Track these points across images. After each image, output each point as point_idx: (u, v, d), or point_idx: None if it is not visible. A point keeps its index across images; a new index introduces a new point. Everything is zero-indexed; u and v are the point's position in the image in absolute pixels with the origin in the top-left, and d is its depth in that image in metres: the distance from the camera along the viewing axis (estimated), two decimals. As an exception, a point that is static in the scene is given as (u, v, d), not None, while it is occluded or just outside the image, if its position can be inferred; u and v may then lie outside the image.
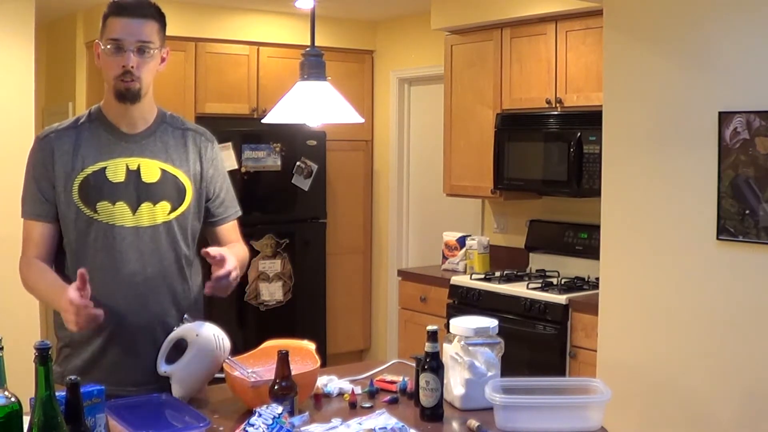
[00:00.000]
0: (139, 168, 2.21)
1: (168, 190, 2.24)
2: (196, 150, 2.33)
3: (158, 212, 2.22)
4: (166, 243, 2.24)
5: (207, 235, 2.40)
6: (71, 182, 2.17)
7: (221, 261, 2.14)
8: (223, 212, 2.40)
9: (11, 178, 2.34)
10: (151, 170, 2.23)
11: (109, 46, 2.15)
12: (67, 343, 2.25)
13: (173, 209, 2.25)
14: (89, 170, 2.18)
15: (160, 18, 2.22)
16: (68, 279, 2.16)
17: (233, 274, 2.15)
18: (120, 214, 2.19)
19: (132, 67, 2.14)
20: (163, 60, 2.26)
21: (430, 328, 2.19)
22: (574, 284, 4.28)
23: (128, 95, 2.17)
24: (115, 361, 2.21)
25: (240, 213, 2.46)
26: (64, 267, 2.24)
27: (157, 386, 2.18)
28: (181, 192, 2.26)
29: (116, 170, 2.19)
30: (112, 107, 2.23)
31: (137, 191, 2.20)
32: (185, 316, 2.28)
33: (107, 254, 2.18)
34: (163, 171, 2.24)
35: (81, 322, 2.00)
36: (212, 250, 2.15)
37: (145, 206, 2.21)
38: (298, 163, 5.61)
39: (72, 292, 1.97)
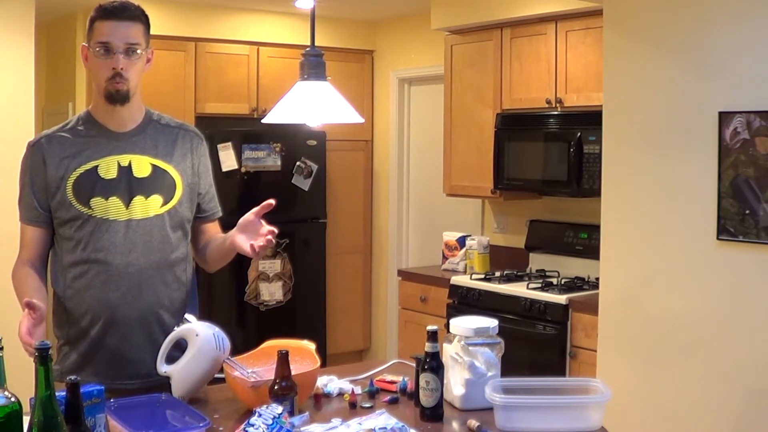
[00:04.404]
0: (130, 164, 2.27)
1: (159, 184, 2.29)
2: (186, 146, 2.38)
3: (151, 205, 2.27)
4: (158, 235, 2.28)
5: (195, 233, 2.45)
6: (65, 182, 2.22)
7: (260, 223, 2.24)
8: (213, 207, 2.47)
9: (12, 177, 2.35)
10: (142, 166, 2.28)
11: (98, 49, 2.20)
12: (65, 340, 2.29)
13: (165, 202, 2.29)
14: (82, 169, 2.23)
15: (145, 20, 2.27)
16: (60, 275, 2.26)
17: (272, 236, 2.22)
18: (114, 208, 2.23)
19: (121, 68, 2.19)
20: (148, 60, 2.30)
21: (430, 328, 2.19)
22: (574, 284, 4.28)
23: (118, 97, 2.23)
24: (111, 354, 2.24)
25: (221, 213, 2.51)
26: (57, 262, 2.29)
27: (155, 380, 2.21)
28: (171, 186, 2.31)
29: (108, 167, 2.25)
30: (101, 109, 2.28)
31: (129, 186, 2.25)
32: (185, 315, 2.30)
33: (101, 247, 2.22)
34: (154, 166, 2.30)
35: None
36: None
37: (138, 200, 2.25)
38: (298, 163, 5.61)
39: (25, 335, 1.98)
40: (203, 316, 2.39)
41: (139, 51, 2.22)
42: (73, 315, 2.25)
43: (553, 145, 4.40)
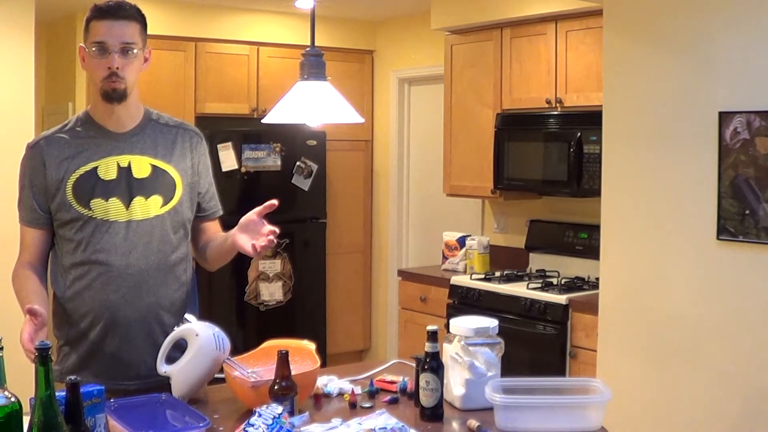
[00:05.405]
0: (129, 165, 2.26)
1: (159, 184, 2.29)
2: (185, 146, 2.37)
3: (151, 206, 2.26)
4: (159, 236, 2.28)
5: (195, 232, 2.44)
6: (65, 184, 2.22)
7: (261, 223, 2.25)
8: (213, 206, 2.47)
9: (11, 178, 2.35)
10: (141, 166, 2.28)
11: (94, 49, 2.19)
12: (65, 341, 2.28)
13: (165, 203, 2.29)
14: (81, 170, 2.23)
15: (141, 19, 2.26)
16: (60, 276, 2.25)
17: (273, 236, 2.22)
18: (114, 209, 2.23)
19: (117, 68, 2.19)
20: (145, 60, 2.30)
21: (430, 328, 2.19)
22: (574, 284, 4.28)
23: (114, 95, 2.22)
24: (111, 355, 2.24)
25: (221, 212, 2.51)
26: (57, 263, 2.29)
27: (155, 381, 2.20)
28: (171, 186, 2.31)
29: (108, 168, 2.24)
30: (100, 109, 2.28)
31: (129, 187, 2.25)
32: (185, 315, 2.30)
33: (101, 248, 2.22)
34: (154, 167, 2.29)
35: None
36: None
37: (138, 201, 2.25)
38: (298, 163, 5.61)
39: (27, 342, 1.99)
40: (203, 316, 2.39)
41: (135, 50, 2.21)
42: (73, 316, 2.24)
43: (553, 145, 4.40)
